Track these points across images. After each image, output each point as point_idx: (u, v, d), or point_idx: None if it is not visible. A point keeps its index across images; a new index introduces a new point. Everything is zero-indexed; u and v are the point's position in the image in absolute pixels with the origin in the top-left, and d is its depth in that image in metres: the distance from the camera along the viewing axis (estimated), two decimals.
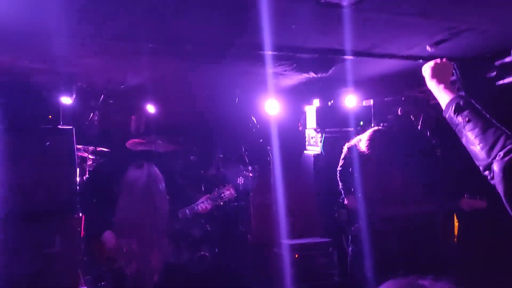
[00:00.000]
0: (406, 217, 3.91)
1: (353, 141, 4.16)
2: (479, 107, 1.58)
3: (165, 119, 6.32)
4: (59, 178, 3.83)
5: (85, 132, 4.70)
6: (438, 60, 1.71)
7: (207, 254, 4.81)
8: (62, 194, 3.83)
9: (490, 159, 1.38)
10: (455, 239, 6.20)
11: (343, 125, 5.35)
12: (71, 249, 3.81)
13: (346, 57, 4.58)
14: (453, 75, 1.73)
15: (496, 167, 1.34)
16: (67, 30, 3.13)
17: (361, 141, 4.04)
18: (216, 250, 4.98)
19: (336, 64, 4.73)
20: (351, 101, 5.39)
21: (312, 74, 4.93)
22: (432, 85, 1.68)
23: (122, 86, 5.46)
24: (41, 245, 3.72)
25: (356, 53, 4.43)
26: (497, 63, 4.80)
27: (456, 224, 6.27)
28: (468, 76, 4.87)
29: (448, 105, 1.59)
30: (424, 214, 3.95)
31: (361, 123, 5.31)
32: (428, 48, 4.29)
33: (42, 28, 3.11)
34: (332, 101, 5.45)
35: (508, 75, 4.73)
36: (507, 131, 1.47)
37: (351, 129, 5.33)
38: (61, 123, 3.93)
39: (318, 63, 4.83)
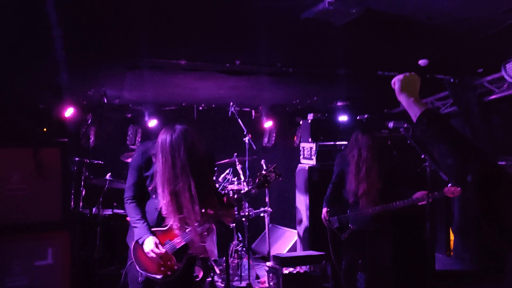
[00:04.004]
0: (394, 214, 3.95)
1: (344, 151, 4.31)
2: (449, 122, 1.59)
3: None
4: (52, 191, 3.84)
5: (82, 144, 4.72)
6: (407, 74, 1.68)
7: (199, 275, 4.76)
8: (55, 207, 3.83)
9: (463, 172, 1.40)
10: (451, 253, 6.21)
11: (337, 138, 5.40)
12: (64, 262, 3.80)
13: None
14: (421, 88, 1.71)
15: (470, 180, 1.36)
16: None
17: (349, 143, 4.16)
18: (211, 263, 4.97)
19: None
20: (345, 115, 5.44)
21: None
22: (402, 98, 1.66)
23: (117, 101, 5.51)
24: (32, 258, 3.71)
25: None
26: (487, 78, 4.89)
27: (452, 237, 6.28)
28: (459, 92, 4.95)
29: (420, 118, 1.58)
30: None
31: None
32: (421, 61, 4.37)
33: None
34: (326, 115, 5.50)
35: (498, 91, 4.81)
36: (477, 145, 1.49)
37: (345, 142, 5.38)
38: (55, 136, 3.95)
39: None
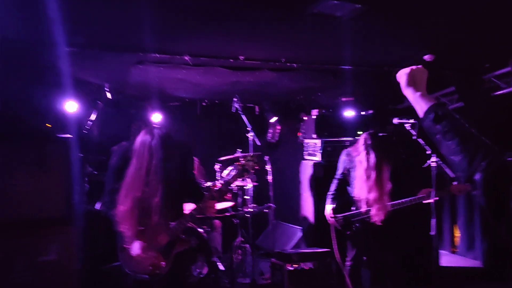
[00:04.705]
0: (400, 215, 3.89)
1: (349, 147, 4.23)
2: (458, 116, 1.49)
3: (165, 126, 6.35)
4: (55, 187, 3.84)
5: (86, 141, 4.71)
6: (414, 67, 1.59)
7: (203, 272, 4.76)
8: (58, 203, 3.83)
9: (472, 170, 1.35)
10: (456, 249, 6.18)
11: (342, 134, 5.37)
12: (68, 258, 3.80)
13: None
14: (428, 81, 1.60)
15: (478, 178, 1.31)
16: None
17: (356, 145, 4.08)
18: (213, 259, 4.96)
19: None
20: (350, 110, 5.40)
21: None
22: (408, 92, 1.57)
23: (121, 96, 5.50)
24: (36, 254, 3.72)
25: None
26: (495, 73, 4.83)
27: (456, 234, 6.25)
28: (464, 87, 4.90)
29: (426, 114, 1.50)
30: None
31: (359, 132, 5.32)
32: (426, 57, 4.33)
33: None
34: (331, 111, 5.47)
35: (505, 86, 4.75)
36: (487, 141, 1.42)
37: (349, 138, 5.34)
38: (60, 132, 3.94)
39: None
